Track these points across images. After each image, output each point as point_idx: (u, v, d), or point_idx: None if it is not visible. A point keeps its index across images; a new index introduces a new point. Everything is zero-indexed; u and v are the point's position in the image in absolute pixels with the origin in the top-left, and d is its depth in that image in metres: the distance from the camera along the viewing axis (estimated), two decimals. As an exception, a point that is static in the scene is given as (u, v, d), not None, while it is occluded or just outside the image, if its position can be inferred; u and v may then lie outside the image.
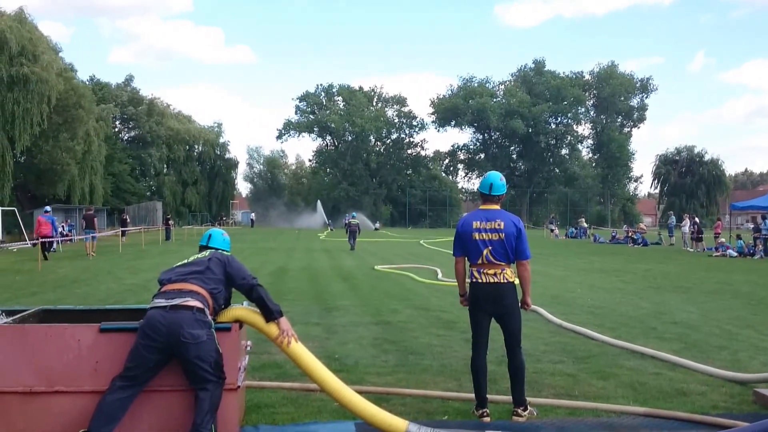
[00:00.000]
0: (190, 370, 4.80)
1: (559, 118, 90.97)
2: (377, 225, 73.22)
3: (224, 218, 73.37)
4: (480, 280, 5.74)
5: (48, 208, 28.22)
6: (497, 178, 5.94)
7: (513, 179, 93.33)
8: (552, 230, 54.31)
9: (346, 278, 17.87)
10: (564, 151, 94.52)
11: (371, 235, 52.62)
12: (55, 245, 28.25)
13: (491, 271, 5.71)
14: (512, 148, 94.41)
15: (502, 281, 5.70)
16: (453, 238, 6.04)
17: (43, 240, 24.73)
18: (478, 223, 5.78)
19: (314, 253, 29.16)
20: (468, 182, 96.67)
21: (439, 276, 18.13)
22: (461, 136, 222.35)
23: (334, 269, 20.83)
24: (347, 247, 32.56)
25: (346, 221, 35.49)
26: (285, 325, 5.14)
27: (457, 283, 6.17)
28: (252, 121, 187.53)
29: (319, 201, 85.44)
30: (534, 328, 9.97)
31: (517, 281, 5.82)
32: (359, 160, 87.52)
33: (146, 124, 72.93)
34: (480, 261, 5.74)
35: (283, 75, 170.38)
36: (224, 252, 5.57)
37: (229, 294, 5.37)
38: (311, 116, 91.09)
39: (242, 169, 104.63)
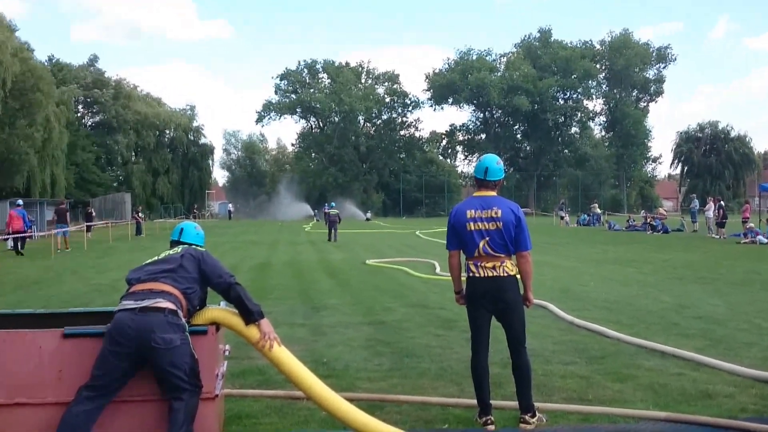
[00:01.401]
0: (163, 378, 4.80)
1: (568, 93, 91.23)
2: (369, 215, 73.37)
3: (196, 210, 73.13)
4: (477, 275, 5.75)
5: (20, 201, 28.48)
6: (493, 161, 5.93)
7: (518, 162, 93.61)
8: (562, 217, 54.45)
9: (335, 274, 17.88)
10: (574, 130, 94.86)
11: (362, 226, 52.61)
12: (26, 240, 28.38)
13: (489, 264, 5.72)
14: (516, 127, 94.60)
15: (501, 275, 5.70)
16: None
17: (15, 236, 24.92)
18: (473, 211, 5.78)
19: (299, 247, 29.19)
20: (468, 166, 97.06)
21: (437, 270, 18.15)
22: (460, 115, 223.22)
23: (321, 264, 20.84)
24: (335, 240, 32.95)
25: (325, 211, 36.22)
26: (267, 327, 5.14)
27: (452, 279, 6.18)
28: (228, 102, 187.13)
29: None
30: (543, 325, 10.00)
31: (518, 275, 5.84)
32: (347, 143, 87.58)
33: (112, 108, 72.74)
34: (477, 253, 5.75)
35: (262, 51, 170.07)
36: (198, 247, 5.58)
37: (205, 294, 5.36)
38: (293, 96, 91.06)
39: (218, 155, 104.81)
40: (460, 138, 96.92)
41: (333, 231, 33.61)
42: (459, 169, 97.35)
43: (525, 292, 5.90)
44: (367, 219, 70.20)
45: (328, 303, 12.51)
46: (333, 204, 37.55)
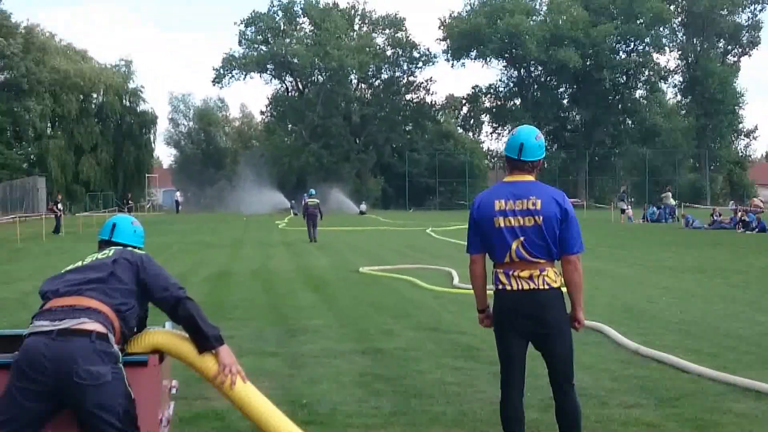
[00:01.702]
0: (89, 422, 4.78)
1: (632, 44, 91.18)
2: (363, 206, 73.25)
3: (131, 201, 72.76)
4: (509, 287, 5.75)
5: None
6: (531, 135, 5.93)
7: (563, 136, 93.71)
8: (623, 210, 54.38)
9: (318, 285, 17.91)
10: (639, 94, 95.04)
11: (354, 222, 52.63)
12: None
13: (525, 273, 5.72)
14: (562, 90, 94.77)
15: (541, 287, 5.70)
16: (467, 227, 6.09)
17: None
18: (503, 202, 5.78)
19: (271, 249, 29.26)
20: (497, 141, 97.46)
21: (455, 281, 18.17)
22: (486, 73, 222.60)
23: (300, 272, 20.87)
24: (315, 241, 33.18)
25: (303, 202, 36.21)
26: (227, 356, 5.15)
27: (474, 293, 6.22)
28: (176, 57, 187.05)
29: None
30: (597, 355, 10.01)
31: (563, 287, 5.84)
32: (335, 111, 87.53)
33: (21, 64, 72.53)
34: (508, 259, 5.76)
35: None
36: (136, 250, 5.57)
37: (145, 312, 5.37)
38: (263, 48, 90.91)
39: (163, 127, 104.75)
40: (487, 104, 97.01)
41: (312, 228, 33.80)
42: (485, 146, 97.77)
43: (573, 310, 5.90)
44: (361, 212, 70.15)
45: (309, 324, 12.52)
46: (313, 191, 37.51)
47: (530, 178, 5.89)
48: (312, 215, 33.95)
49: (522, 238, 5.72)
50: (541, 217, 5.70)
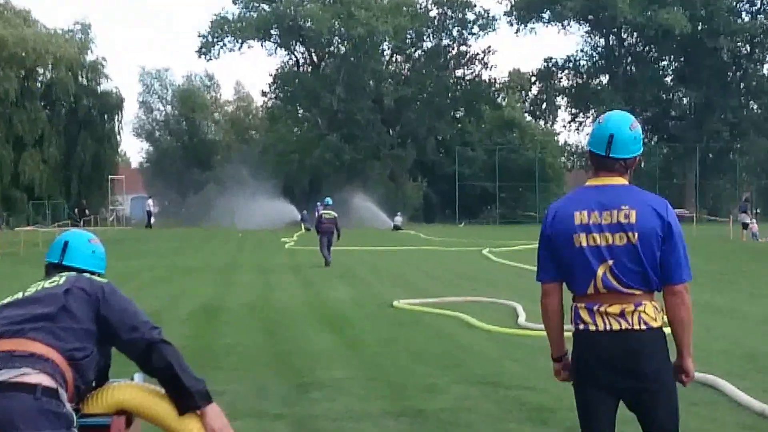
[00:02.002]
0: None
1: (759, 4, 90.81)
2: (398, 219, 73.05)
3: (86, 211, 72.59)
4: (593, 327, 5.66)
5: None
6: (623, 124, 5.84)
7: (666, 126, 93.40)
8: (746, 224, 54.08)
9: (337, 325, 17.97)
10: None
11: (387, 239, 52.71)
12: None
13: (615, 309, 5.60)
14: (664, 63, 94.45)
15: (636, 327, 5.58)
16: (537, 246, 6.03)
17: None
18: (585, 214, 5.71)
19: (274, 276, 29.37)
20: (577, 132, 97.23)
21: (521, 318, 18.13)
22: (563, 42, 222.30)
23: (313, 307, 20.95)
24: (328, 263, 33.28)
25: (317, 213, 36.18)
26: (216, 418, 5.16)
27: (547, 335, 6.13)
28: (149, 20, 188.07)
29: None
30: (709, 418, 9.95)
31: (667, 327, 5.74)
32: (362, 91, 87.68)
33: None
34: (592, 290, 5.68)
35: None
36: (95, 277, 5.59)
37: (107, 360, 5.39)
38: (265, 7, 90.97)
39: (132, 113, 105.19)
40: (564, 83, 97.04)
41: (327, 247, 33.90)
42: (561, 139, 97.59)
43: (679, 357, 5.80)
44: (396, 227, 69.98)
45: (325, 377, 12.52)
46: (329, 200, 37.52)
47: (622, 181, 5.80)
48: (327, 232, 33.99)
49: (611, 262, 5.61)
50: (636, 234, 5.59)
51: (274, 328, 17.58)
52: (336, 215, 35.19)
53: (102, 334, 5.22)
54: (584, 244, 5.68)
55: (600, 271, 5.63)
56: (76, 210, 75.59)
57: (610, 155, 5.78)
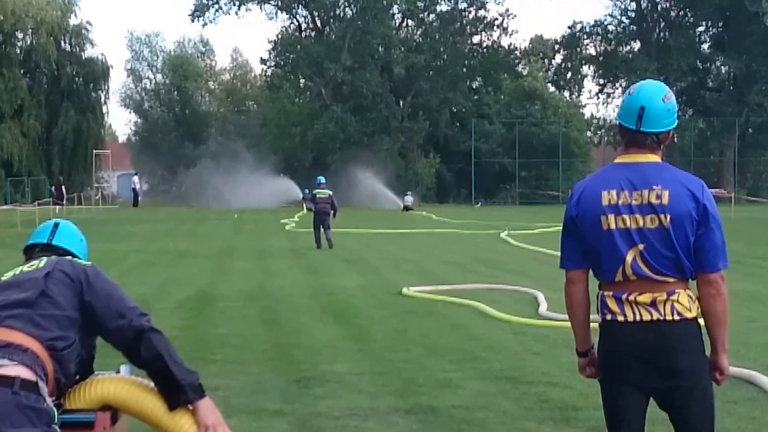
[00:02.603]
0: None
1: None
2: (409, 199, 73.16)
3: (64, 186, 72.14)
4: (621, 318, 5.67)
5: None
6: (656, 95, 5.79)
7: (702, 97, 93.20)
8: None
9: (342, 314, 18.03)
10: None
11: (397, 221, 53.10)
12: None
13: (645, 298, 5.62)
14: (701, 29, 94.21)
15: (669, 317, 5.59)
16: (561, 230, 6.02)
17: None
18: (614, 193, 5.70)
19: (274, 261, 29.53)
20: (605, 104, 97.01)
21: (543, 308, 18.17)
22: (590, 4, 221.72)
23: (317, 295, 21.02)
24: (333, 248, 33.67)
25: (310, 194, 36.44)
26: (209, 413, 5.12)
27: (572, 326, 6.16)
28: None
29: None
30: (748, 417, 9.90)
31: (701, 318, 5.73)
32: (370, 59, 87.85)
33: None
34: (620, 276, 5.67)
35: None
36: (76, 259, 5.57)
37: (91, 350, 5.35)
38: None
39: (119, 82, 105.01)
40: (591, 50, 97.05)
41: (325, 229, 34.42)
42: (587, 112, 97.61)
43: (713, 352, 5.81)
44: (406, 207, 70.20)
45: (329, 371, 12.51)
46: (322, 179, 37.63)
47: (654, 158, 5.78)
48: (322, 213, 34.41)
49: (641, 246, 5.61)
50: (668, 216, 5.58)
51: (273, 318, 17.62)
52: (330, 193, 35.68)
53: (86, 321, 5.20)
54: (613, 226, 5.67)
55: (629, 257, 5.62)
56: (53, 188, 75.13)
57: (641, 129, 5.74)
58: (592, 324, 5.94)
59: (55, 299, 5.13)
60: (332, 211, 34.91)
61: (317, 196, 35.51)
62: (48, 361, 4.96)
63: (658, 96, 5.77)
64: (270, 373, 12.44)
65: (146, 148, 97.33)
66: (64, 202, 63.46)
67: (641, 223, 5.62)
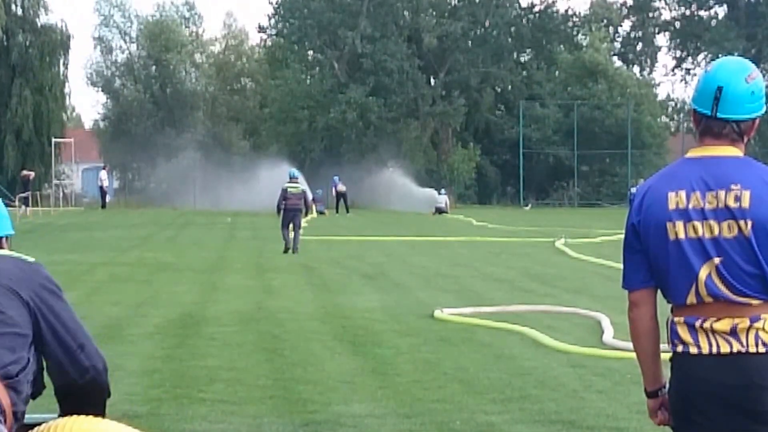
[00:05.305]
0: None
1: None
2: (442, 199, 72.91)
3: (29, 177, 72.35)
4: (695, 350, 5.54)
5: None
6: (738, 74, 5.68)
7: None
8: None
9: (360, 342, 18.10)
10: None
11: (428, 226, 52.97)
12: None
13: (724, 325, 5.48)
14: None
15: (753, 350, 5.44)
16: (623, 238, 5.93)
17: None
18: (683, 195, 5.58)
19: (275, 276, 29.61)
20: (685, 82, 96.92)
21: (607, 335, 18.22)
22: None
23: (326, 317, 21.22)
24: (349, 260, 34.00)
25: (282, 189, 37.33)
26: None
27: (638, 360, 6.02)
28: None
29: None
30: None
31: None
32: (393, 27, 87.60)
33: None
34: (693, 298, 5.56)
35: None
36: (23, 256, 5.52)
37: (39, 362, 5.15)
38: None
39: (84, 55, 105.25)
40: (666, 16, 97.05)
41: (294, 228, 35.80)
42: (661, 92, 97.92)
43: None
44: (438, 210, 69.92)
45: (343, 412, 12.60)
46: (295, 172, 38.43)
47: (734, 151, 5.67)
48: (293, 209, 35.61)
49: (717, 261, 5.49)
50: (749, 223, 5.47)
51: (274, 347, 17.68)
52: (304, 189, 37.09)
53: (36, 339, 5.08)
54: (681, 236, 5.54)
55: (703, 273, 5.50)
56: (9, 184, 75.01)
57: (718, 115, 5.62)
58: (663, 356, 5.80)
59: (4, 313, 4.99)
60: (305, 209, 35.64)
61: (288, 191, 36.50)
62: (4, 394, 4.84)
63: (741, 75, 5.64)
64: (270, 416, 12.45)
65: (118, 136, 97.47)
66: (20, 204, 62.95)
67: (716, 232, 5.49)
